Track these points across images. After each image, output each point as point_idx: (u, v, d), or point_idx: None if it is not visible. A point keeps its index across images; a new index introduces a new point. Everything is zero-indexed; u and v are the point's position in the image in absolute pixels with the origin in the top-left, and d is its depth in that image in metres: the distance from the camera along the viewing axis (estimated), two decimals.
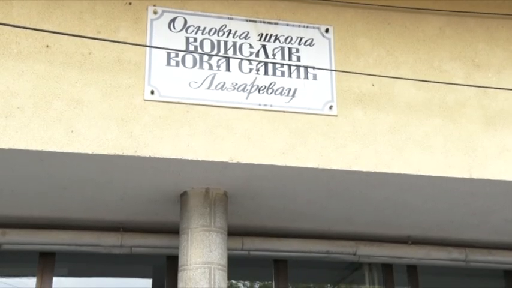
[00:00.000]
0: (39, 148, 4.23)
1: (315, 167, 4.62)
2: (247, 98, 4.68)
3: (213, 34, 4.79)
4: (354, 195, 5.16)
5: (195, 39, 4.75)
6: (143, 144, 4.38)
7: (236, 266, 5.26)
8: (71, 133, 4.30)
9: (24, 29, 4.35)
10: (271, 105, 4.70)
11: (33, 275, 5.66)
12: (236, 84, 4.70)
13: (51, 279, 5.64)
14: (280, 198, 5.21)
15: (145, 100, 4.50)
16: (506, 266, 6.47)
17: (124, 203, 5.24)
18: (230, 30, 4.81)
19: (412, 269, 6.41)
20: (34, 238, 5.51)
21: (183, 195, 5.03)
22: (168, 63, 4.64)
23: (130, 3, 4.68)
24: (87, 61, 4.48)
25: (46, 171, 4.58)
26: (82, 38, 4.44)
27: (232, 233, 5.20)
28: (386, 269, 6.37)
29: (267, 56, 4.84)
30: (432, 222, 5.82)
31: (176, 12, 4.76)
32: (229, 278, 4.92)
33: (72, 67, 4.44)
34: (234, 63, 4.75)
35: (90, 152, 4.30)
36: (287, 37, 4.90)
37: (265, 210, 5.42)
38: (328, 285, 6.86)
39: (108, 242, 5.61)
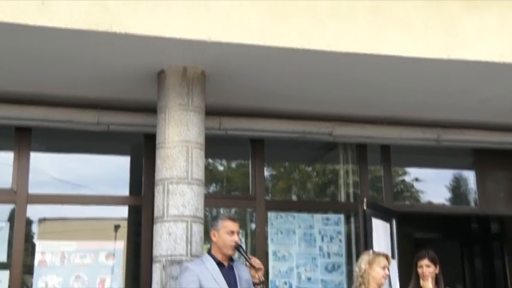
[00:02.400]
0: (9, 20, 4.07)
1: (293, 46, 4.55)
2: None
3: None
4: (331, 76, 5.15)
5: None
6: (118, 20, 4.24)
7: (213, 145, 5.33)
8: (42, 5, 4.12)
9: None
10: None
11: (10, 150, 5.68)
12: None
13: (29, 154, 5.69)
14: (258, 79, 5.18)
15: None
16: (475, 144, 6.67)
17: (100, 81, 5.17)
18: None
19: (385, 149, 6.58)
20: (9, 113, 5.48)
21: (160, 74, 4.97)
22: None
23: None
24: None
25: (17, 44, 4.45)
26: None
27: (210, 112, 5.21)
28: (360, 148, 6.52)
29: None
30: (407, 103, 5.89)
31: None
32: (206, 157, 5.00)
33: None
34: None
35: (63, 27, 4.16)
36: None
37: (243, 90, 5.40)
38: (304, 164, 7.03)
39: (85, 119, 5.60)
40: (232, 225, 4.09)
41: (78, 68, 4.91)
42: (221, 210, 6.21)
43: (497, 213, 7.01)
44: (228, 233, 4.06)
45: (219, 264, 4.05)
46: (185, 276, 3.97)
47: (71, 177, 6.07)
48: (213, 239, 4.11)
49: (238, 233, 4.12)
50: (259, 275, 4.02)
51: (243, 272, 4.10)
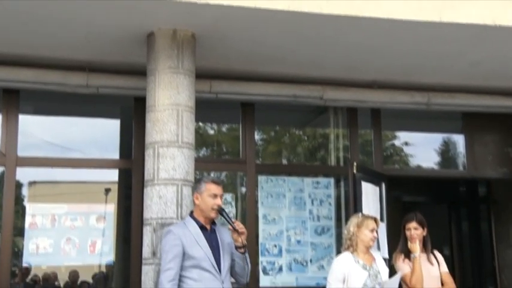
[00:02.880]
0: None
1: (285, 9, 4.49)
2: None
3: None
4: (322, 39, 5.11)
5: None
6: None
7: (204, 109, 5.31)
8: None
9: None
10: None
11: None
12: None
13: (17, 116, 5.64)
14: (249, 41, 5.13)
15: None
16: (465, 108, 6.69)
17: (90, 43, 5.10)
18: None
19: (375, 113, 6.58)
20: None
21: (150, 36, 4.91)
22: None
23: None
24: None
25: (5, 5, 4.38)
26: None
27: (200, 75, 5.17)
28: (351, 112, 6.52)
29: None
30: (398, 67, 5.87)
31: None
32: (196, 120, 4.99)
33: None
34: None
35: None
36: None
37: (233, 53, 5.36)
38: (294, 128, 7.04)
39: (74, 81, 5.55)
40: (216, 189, 4.06)
41: (68, 29, 4.85)
42: (212, 174, 6.22)
43: (485, 176, 7.09)
44: (211, 196, 4.03)
45: (202, 227, 4.04)
46: (168, 240, 3.97)
47: (61, 140, 6.05)
48: (196, 202, 4.09)
49: (221, 197, 4.09)
50: (242, 239, 4.00)
51: (225, 236, 4.10)
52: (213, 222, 4.12)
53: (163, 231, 4.26)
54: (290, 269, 6.10)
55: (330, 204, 6.38)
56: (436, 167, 7.35)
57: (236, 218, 5.96)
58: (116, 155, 6.11)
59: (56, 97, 5.76)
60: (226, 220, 4.02)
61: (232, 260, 4.09)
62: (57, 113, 6.21)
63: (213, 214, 4.05)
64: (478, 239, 8.35)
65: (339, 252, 4.95)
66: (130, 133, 5.87)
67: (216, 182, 4.11)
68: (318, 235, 6.26)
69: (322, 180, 6.45)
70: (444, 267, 4.96)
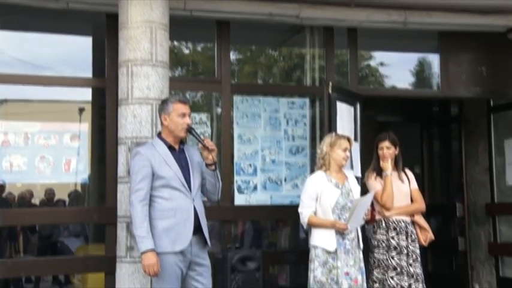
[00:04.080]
0: None
1: None
2: None
3: None
4: None
5: None
6: None
7: (178, 27, 5.19)
8: None
9: None
10: None
11: None
12: None
13: None
14: None
15: None
16: (441, 27, 6.65)
17: None
18: None
19: (352, 32, 6.51)
20: None
21: None
22: None
23: None
24: None
25: None
26: None
27: None
28: (327, 32, 6.44)
29: None
30: None
31: None
32: (171, 39, 4.89)
33: None
34: None
35: None
36: None
37: None
38: (270, 48, 6.95)
39: None
40: (183, 108, 4.04)
41: None
42: (187, 94, 6.17)
43: (458, 95, 7.14)
44: (179, 115, 4.02)
45: (170, 147, 4.04)
46: (136, 161, 3.97)
47: (31, 58, 5.90)
48: (164, 123, 4.06)
49: (189, 115, 4.08)
50: (212, 156, 4.03)
51: (194, 155, 4.13)
52: (181, 142, 4.12)
53: (132, 153, 4.25)
54: (265, 187, 6.20)
55: (304, 124, 6.42)
56: (410, 87, 7.38)
57: (211, 138, 5.98)
58: (88, 74, 5.98)
59: (24, 11, 5.54)
60: (196, 138, 4.04)
61: (203, 179, 4.12)
62: (26, 28, 5.99)
63: (183, 133, 4.05)
64: (448, 157, 8.54)
65: (312, 171, 5.04)
66: (103, 51, 5.73)
67: (182, 101, 4.08)
68: (292, 155, 6.33)
69: (298, 100, 6.45)
70: (414, 184, 5.10)
